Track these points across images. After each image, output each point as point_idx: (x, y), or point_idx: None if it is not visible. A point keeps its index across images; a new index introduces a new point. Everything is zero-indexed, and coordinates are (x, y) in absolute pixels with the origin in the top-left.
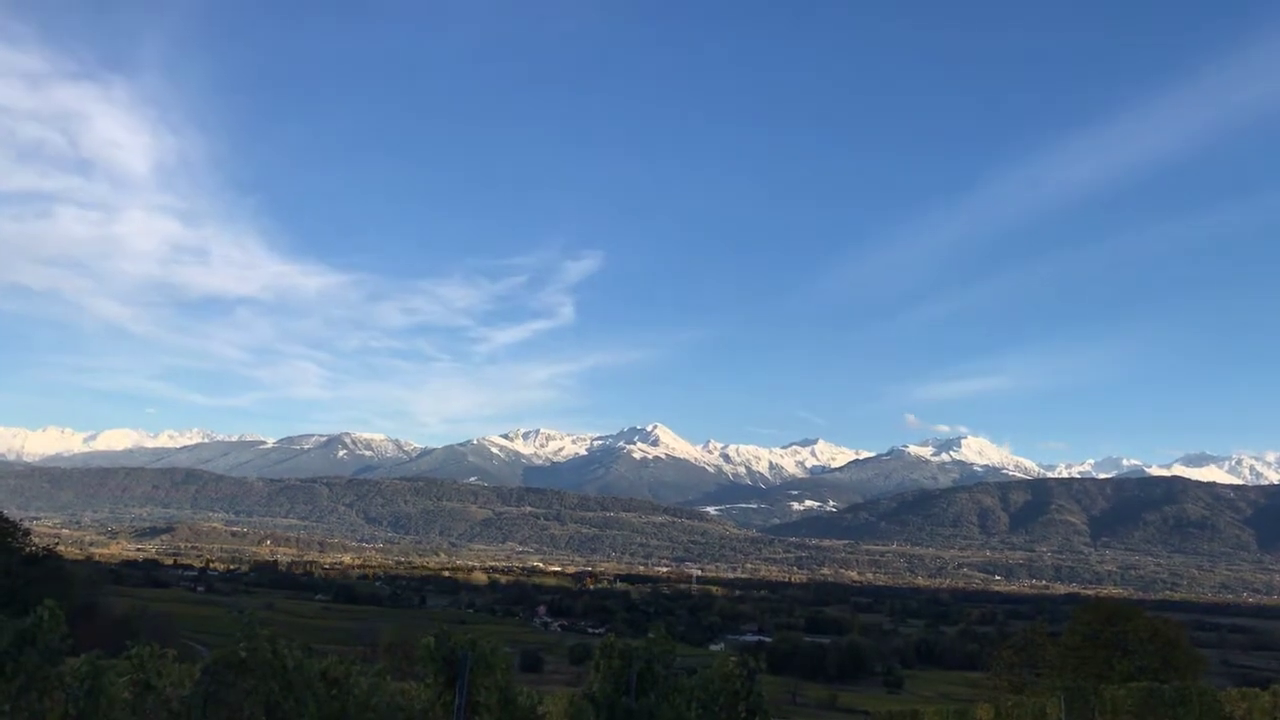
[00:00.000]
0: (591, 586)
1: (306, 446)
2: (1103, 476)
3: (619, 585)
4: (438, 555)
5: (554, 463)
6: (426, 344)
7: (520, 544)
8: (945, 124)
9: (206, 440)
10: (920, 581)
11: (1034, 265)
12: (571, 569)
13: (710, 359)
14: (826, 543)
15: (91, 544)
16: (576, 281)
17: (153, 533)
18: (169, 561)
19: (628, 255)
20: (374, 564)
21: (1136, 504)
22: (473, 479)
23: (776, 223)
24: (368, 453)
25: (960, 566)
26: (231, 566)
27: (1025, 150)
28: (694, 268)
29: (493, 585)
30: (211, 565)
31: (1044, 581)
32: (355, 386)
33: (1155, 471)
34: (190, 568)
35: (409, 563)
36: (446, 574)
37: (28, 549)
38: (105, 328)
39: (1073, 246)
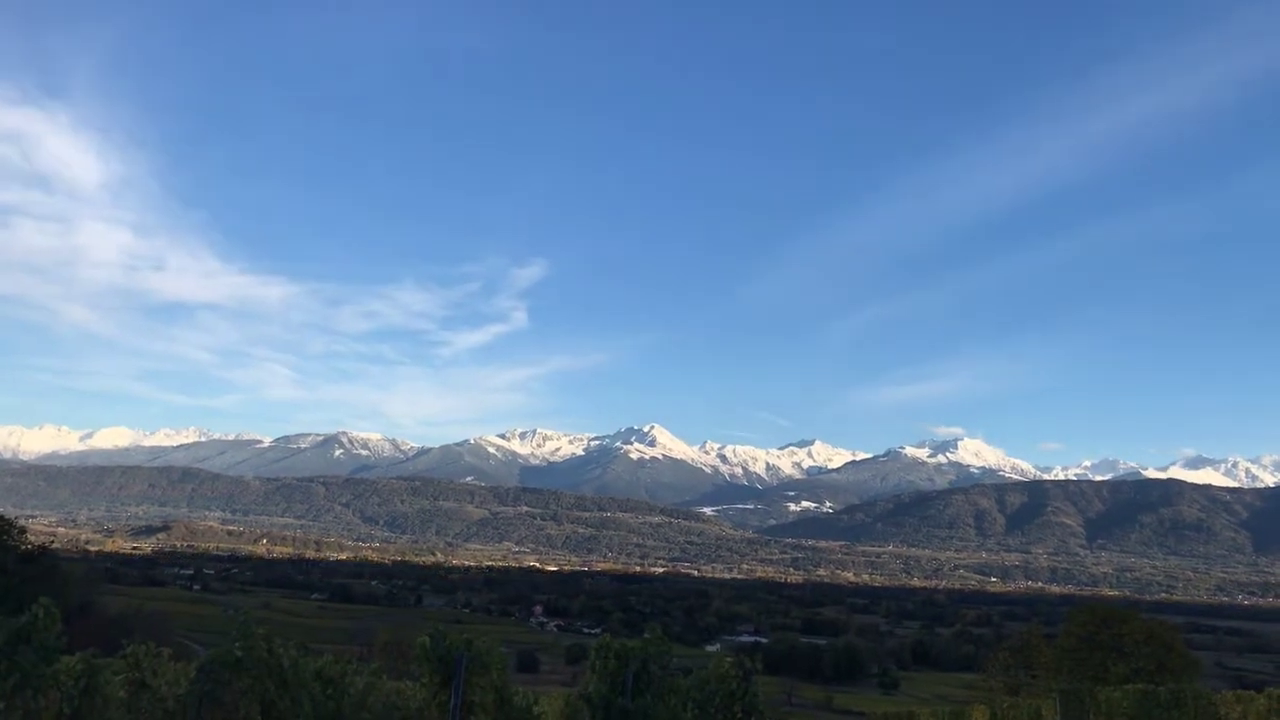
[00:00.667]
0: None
1: (303, 445)
2: (1099, 479)
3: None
4: (434, 555)
5: (551, 463)
6: (390, 348)
7: (517, 544)
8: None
9: (203, 439)
10: (916, 583)
11: (1000, 264)
12: (568, 569)
13: (670, 362)
14: (823, 544)
15: (88, 542)
16: (526, 288)
17: (149, 531)
18: (165, 560)
19: (572, 263)
20: (370, 562)
21: (1132, 506)
22: (469, 479)
23: (716, 226)
24: (364, 452)
25: (956, 568)
26: (228, 568)
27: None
28: (639, 273)
29: (488, 582)
30: (211, 557)
31: (1039, 583)
32: (327, 389)
33: (1152, 474)
34: (185, 564)
35: (404, 562)
36: (441, 575)
37: (23, 547)
38: (77, 332)
39: (1033, 247)
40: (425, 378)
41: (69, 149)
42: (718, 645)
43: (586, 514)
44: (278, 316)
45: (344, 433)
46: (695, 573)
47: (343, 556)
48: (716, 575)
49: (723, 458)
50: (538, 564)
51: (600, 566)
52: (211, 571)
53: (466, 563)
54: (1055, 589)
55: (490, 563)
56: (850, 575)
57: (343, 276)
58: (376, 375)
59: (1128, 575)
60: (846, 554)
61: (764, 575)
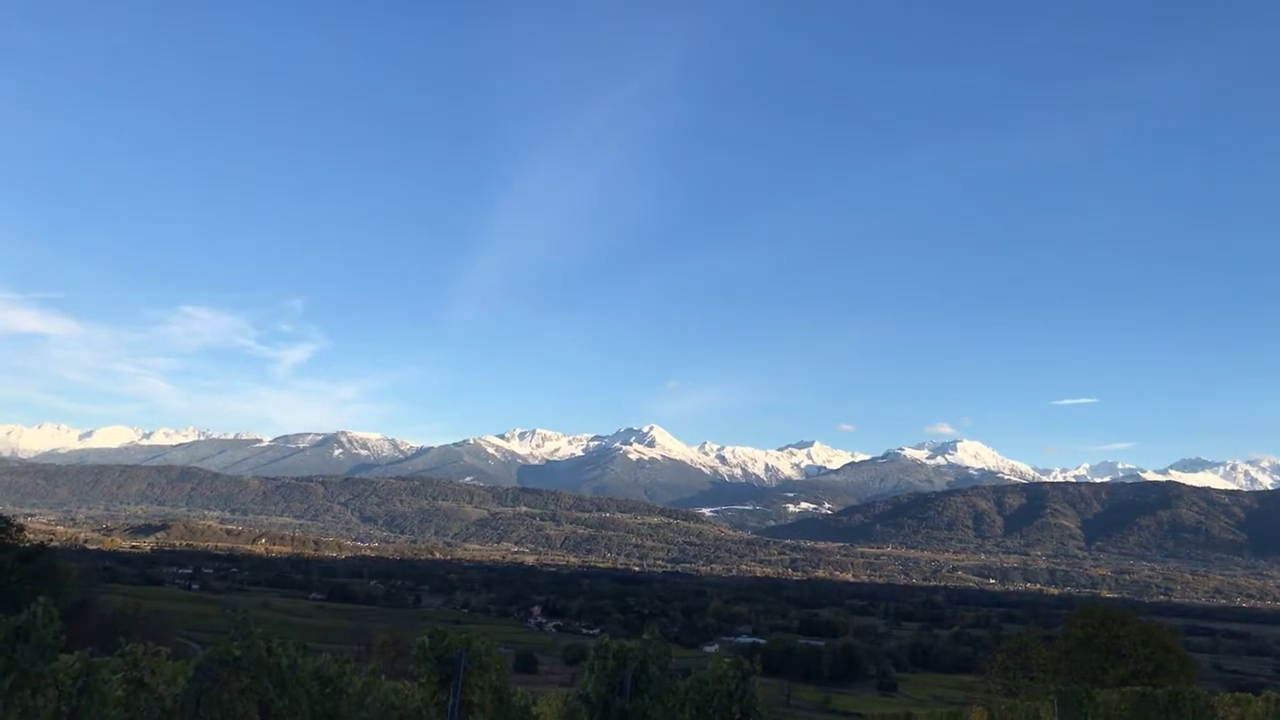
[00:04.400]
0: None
1: (302, 445)
2: (1097, 481)
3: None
4: (433, 555)
5: (550, 463)
6: (220, 366)
7: (516, 544)
8: None
9: (202, 438)
10: (915, 584)
11: None
12: (567, 569)
13: (460, 370)
14: (821, 545)
15: (86, 541)
16: (301, 315)
17: (147, 530)
18: (163, 559)
19: (327, 294)
20: (370, 561)
21: (1131, 508)
22: (468, 479)
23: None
24: (364, 452)
25: (955, 569)
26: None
27: None
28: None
29: (486, 583)
30: (209, 556)
31: (1038, 585)
32: (201, 400)
33: (1150, 476)
34: (184, 563)
35: (403, 561)
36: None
37: (22, 545)
38: None
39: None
40: (277, 388)
41: None
42: (716, 646)
43: (585, 514)
44: (108, 347)
45: (343, 432)
46: (695, 573)
47: (341, 556)
48: (715, 576)
49: (722, 459)
50: (536, 564)
51: (599, 567)
52: (210, 570)
53: (465, 560)
54: (1053, 591)
55: (489, 562)
56: (849, 576)
57: (146, 301)
58: (226, 386)
59: (1126, 577)
60: (845, 555)
61: (763, 576)
